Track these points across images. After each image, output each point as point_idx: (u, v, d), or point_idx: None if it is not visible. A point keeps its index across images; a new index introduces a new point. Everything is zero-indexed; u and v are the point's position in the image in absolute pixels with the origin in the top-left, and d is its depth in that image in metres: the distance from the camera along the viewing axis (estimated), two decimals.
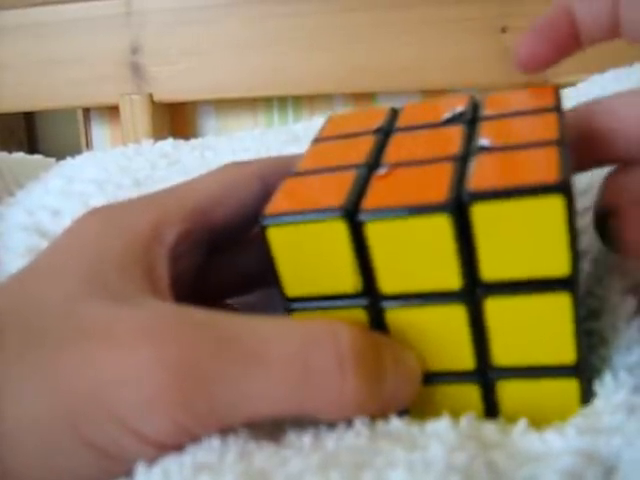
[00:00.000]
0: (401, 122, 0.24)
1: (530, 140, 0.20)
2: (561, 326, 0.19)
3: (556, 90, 0.23)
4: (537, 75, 0.24)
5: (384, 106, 0.26)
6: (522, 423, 0.20)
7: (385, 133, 0.24)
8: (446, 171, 0.20)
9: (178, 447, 0.18)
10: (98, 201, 0.38)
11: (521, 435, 0.19)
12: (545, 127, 0.21)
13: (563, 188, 0.17)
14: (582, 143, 0.22)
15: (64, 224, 0.23)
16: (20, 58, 0.78)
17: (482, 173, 0.19)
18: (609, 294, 0.22)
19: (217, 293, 0.27)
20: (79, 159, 0.49)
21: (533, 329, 0.19)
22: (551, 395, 0.20)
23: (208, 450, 0.18)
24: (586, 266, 0.24)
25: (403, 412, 0.20)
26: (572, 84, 0.46)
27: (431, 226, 0.19)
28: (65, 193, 0.41)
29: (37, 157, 0.55)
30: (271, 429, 0.20)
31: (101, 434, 0.18)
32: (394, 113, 0.25)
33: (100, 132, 0.85)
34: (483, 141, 0.21)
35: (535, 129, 0.21)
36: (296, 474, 0.17)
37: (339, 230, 0.19)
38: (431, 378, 0.21)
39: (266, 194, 0.22)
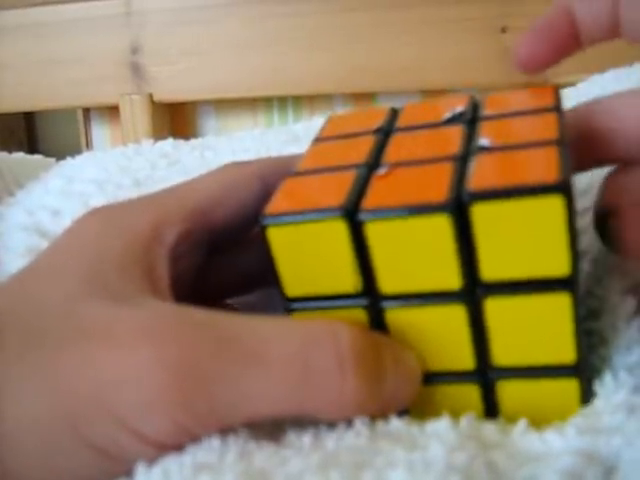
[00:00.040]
0: (401, 122, 0.24)
1: (530, 140, 0.20)
2: (561, 326, 0.19)
3: (556, 90, 0.23)
4: (537, 75, 0.24)
5: (384, 106, 0.26)
6: (522, 423, 0.20)
7: (385, 133, 0.24)
8: (446, 171, 0.20)
9: (178, 447, 0.18)
10: (98, 201, 0.38)
11: (521, 435, 0.19)
12: (545, 127, 0.21)
13: (563, 188, 0.17)
14: (582, 143, 0.22)
15: (64, 224, 0.23)
16: (20, 58, 0.78)
17: (482, 173, 0.19)
18: (609, 294, 0.22)
19: (217, 293, 0.27)
20: (79, 159, 0.49)
21: (533, 329, 0.19)
22: (551, 395, 0.20)
23: (208, 450, 0.18)
24: (586, 266, 0.24)
25: (403, 412, 0.20)
26: (572, 84, 0.46)
27: (431, 226, 0.19)
28: (65, 193, 0.41)
29: (37, 157, 0.55)
30: (271, 429, 0.20)
31: (101, 434, 0.18)
32: (394, 113, 0.25)
33: (100, 132, 0.85)
34: (483, 141, 0.21)
35: (535, 129, 0.21)
36: (296, 474, 0.17)
37: (339, 230, 0.19)
38: (431, 378, 0.21)
39: (266, 194, 0.22)
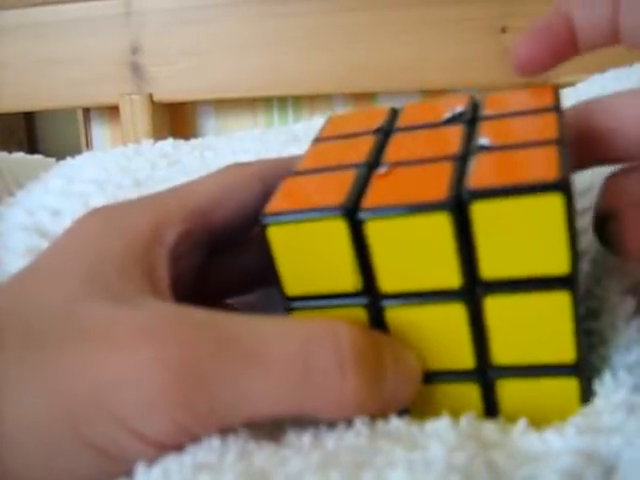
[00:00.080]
0: (401, 122, 0.24)
1: (529, 139, 0.20)
2: (561, 325, 0.19)
3: (555, 90, 0.23)
4: (536, 76, 0.25)
5: (384, 106, 0.26)
6: (522, 423, 0.20)
7: (385, 133, 0.24)
8: (446, 170, 0.20)
9: (178, 447, 0.18)
10: (98, 201, 0.38)
11: (521, 435, 0.19)
12: (544, 126, 0.21)
13: (562, 186, 0.17)
14: (581, 142, 0.22)
15: (64, 224, 0.23)
16: (20, 58, 0.78)
17: (482, 172, 0.19)
18: (608, 294, 0.22)
19: (217, 293, 0.27)
20: (79, 159, 0.49)
21: (533, 328, 0.19)
22: (551, 394, 0.20)
23: (208, 450, 0.18)
24: (585, 266, 0.24)
25: (403, 412, 0.20)
26: (572, 84, 0.46)
27: (431, 224, 0.19)
28: (65, 193, 0.41)
29: (37, 157, 0.55)
30: (271, 429, 0.20)
31: (101, 435, 0.18)
32: (394, 113, 0.25)
33: (100, 132, 0.85)
34: (483, 140, 0.21)
35: (534, 128, 0.21)
36: (296, 474, 0.17)
37: (339, 229, 0.19)
38: (431, 377, 0.21)
39: (267, 195, 0.22)
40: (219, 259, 0.26)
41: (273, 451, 0.18)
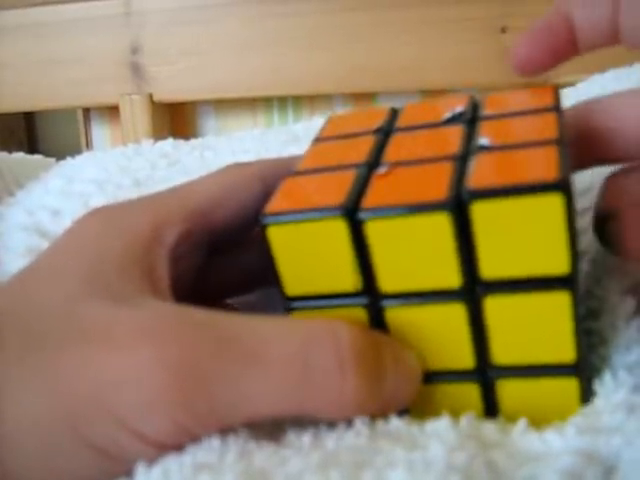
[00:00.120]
0: (401, 122, 0.24)
1: (529, 139, 0.20)
2: (561, 324, 0.19)
3: (555, 90, 0.23)
4: (536, 76, 0.25)
5: (384, 106, 0.26)
6: (522, 423, 0.20)
7: (385, 133, 0.24)
8: (446, 170, 0.20)
9: (178, 447, 0.18)
10: (98, 201, 0.38)
11: (521, 435, 0.19)
12: (544, 126, 0.21)
13: (562, 186, 0.17)
14: (581, 142, 0.22)
15: (64, 224, 0.23)
16: (20, 58, 0.78)
17: (482, 172, 0.19)
18: (608, 294, 0.22)
19: (217, 293, 0.27)
20: (79, 159, 0.49)
21: (533, 328, 0.19)
22: (551, 394, 0.20)
23: (208, 450, 0.18)
24: (585, 266, 0.24)
25: (403, 412, 0.20)
26: (572, 84, 0.46)
27: (431, 224, 0.19)
28: (65, 193, 0.41)
29: (37, 157, 0.55)
30: (271, 429, 0.20)
31: (101, 435, 0.18)
32: (394, 113, 0.25)
33: (100, 132, 0.85)
34: (483, 140, 0.21)
35: (534, 128, 0.21)
36: (296, 474, 0.17)
37: (339, 229, 0.19)
38: (431, 377, 0.21)
39: (267, 196, 0.22)
40: (219, 259, 0.26)
41: (273, 451, 0.18)
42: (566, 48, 0.24)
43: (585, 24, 0.23)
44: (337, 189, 0.20)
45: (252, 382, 0.18)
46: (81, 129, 0.85)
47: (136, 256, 0.21)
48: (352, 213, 0.19)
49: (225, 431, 0.19)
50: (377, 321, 0.21)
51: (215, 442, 0.18)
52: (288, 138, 0.48)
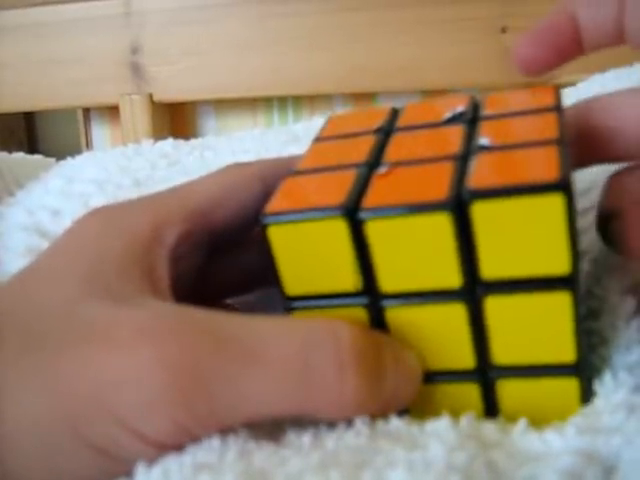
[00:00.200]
0: (402, 122, 0.24)
1: (530, 139, 0.20)
2: (561, 325, 0.19)
3: (556, 90, 0.23)
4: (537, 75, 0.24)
5: (384, 106, 0.26)
6: (522, 423, 0.20)
7: (385, 133, 0.24)
8: (446, 170, 0.20)
9: (178, 447, 0.18)
10: (98, 201, 0.38)
11: (521, 435, 0.19)
12: (545, 126, 0.21)
13: (563, 186, 0.17)
14: (581, 140, 0.22)
15: (64, 224, 0.23)
16: (20, 58, 0.78)
17: (482, 172, 0.19)
18: (608, 294, 0.22)
19: (217, 293, 0.27)
20: (79, 159, 0.49)
21: (533, 328, 0.19)
22: (551, 394, 0.20)
23: (208, 450, 0.18)
24: (586, 266, 0.24)
25: (403, 411, 0.20)
26: (572, 84, 0.46)
27: (431, 224, 0.19)
28: (65, 193, 0.41)
29: (37, 157, 0.55)
30: (271, 429, 0.20)
31: (101, 435, 0.18)
32: (394, 113, 0.25)
33: (100, 132, 0.85)
34: (483, 140, 0.21)
35: (535, 128, 0.21)
36: (296, 474, 0.17)
37: (339, 229, 0.19)
38: (431, 377, 0.21)
39: (267, 196, 0.22)
40: (219, 259, 0.26)
41: (273, 451, 0.18)
42: (571, 48, 0.24)
43: (590, 24, 0.23)
44: (337, 189, 0.20)
45: (252, 382, 0.18)
46: (81, 129, 0.85)
47: (136, 256, 0.21)
48: (352, 213, 0.19)
49: (225, 431, 0.19)
50: (377, 321, 0.21)
51: (215, 442, 0.18)
52: (288, 138, 0.48)
